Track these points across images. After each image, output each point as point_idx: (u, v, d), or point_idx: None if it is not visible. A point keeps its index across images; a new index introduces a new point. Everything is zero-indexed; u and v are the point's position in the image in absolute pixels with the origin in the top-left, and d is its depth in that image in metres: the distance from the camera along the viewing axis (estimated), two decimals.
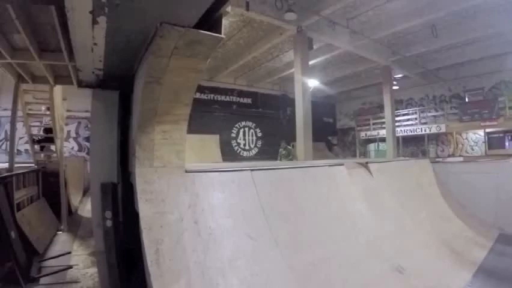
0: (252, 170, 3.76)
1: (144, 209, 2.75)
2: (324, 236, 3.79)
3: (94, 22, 2.21)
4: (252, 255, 3.04)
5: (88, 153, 13.85)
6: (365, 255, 3.90)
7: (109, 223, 3.46)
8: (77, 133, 15.03)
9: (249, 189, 3.57)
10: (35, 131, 8.58)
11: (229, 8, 2.49)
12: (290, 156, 12.50)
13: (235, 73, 17.49)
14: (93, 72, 3.47)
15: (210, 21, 2.42)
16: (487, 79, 17.07)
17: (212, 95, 18.18)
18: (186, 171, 3.20)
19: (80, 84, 3.85)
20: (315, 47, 12.09)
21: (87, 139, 14.51)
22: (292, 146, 13.00)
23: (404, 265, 4.01)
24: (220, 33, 2.46)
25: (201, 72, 2.82)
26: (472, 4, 10.03)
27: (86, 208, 9.55)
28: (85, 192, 11.85)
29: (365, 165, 5.68)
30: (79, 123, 14.90)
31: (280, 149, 13.08)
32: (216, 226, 3.03)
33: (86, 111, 12.94)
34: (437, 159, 10.37)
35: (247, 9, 8.62)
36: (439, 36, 11.85)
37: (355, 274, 3.48)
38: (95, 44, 2.61)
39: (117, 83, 3.68)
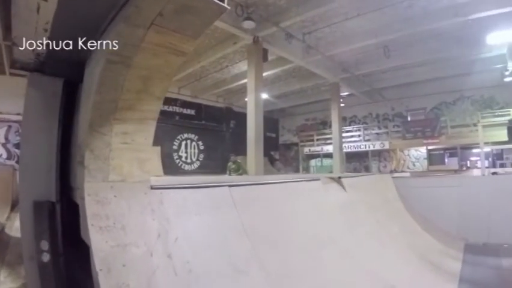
0: (230, 185, 3.13)
1: (97, 240, 1.96)
2: (313, 261, 3.34)
3: None
4: None
5: (18, 162, 12.18)
6: (358, 278, 3.61)
7: (45, 257, 2.53)
8: (6, 138, 13.08)
9: (229, 209, 2.95)
10: None
11: None
12: (240, 170, 11.95)
13: (179, 82, 16.73)
14: (33, 49, 2.57)
15: None
16: (429, 100, 18.48)
17: None
18: (152, 188, 2.43)
19: (14, 64, 2.89)
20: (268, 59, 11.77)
21: (18, 146, 12.74)
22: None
23: (395, 284, 3.81)
24: (223, 2, 1.80)
25: (184, 56, 2.13)
26: (426, 29, 10.63)
27: (15, 226, 8.06)
28: (14, 206, 10.23)
29: (338, 180, 5.43)
30: (9, 127, 13.03)
31: (230, 163, 12.48)
32: (195, 260, 2.33)
33: (18, 113, 11.47)
34: (394, 175, 10.65)
35: None
36: (391, 57, 12.41)
37: None
38: None
39: (63, 67, 2.79)
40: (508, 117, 14.47)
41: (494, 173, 9.50)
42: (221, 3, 1.80)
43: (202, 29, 1.97)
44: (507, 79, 14.13)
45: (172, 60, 2.10)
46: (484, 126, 13.92)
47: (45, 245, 2.55)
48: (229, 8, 1.85)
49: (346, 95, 18.72)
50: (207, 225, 2.67)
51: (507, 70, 13.47)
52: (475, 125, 15.19)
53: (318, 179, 4.79)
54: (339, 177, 5.47)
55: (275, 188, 3.86)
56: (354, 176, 6.81)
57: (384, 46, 11.90)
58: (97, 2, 1.96)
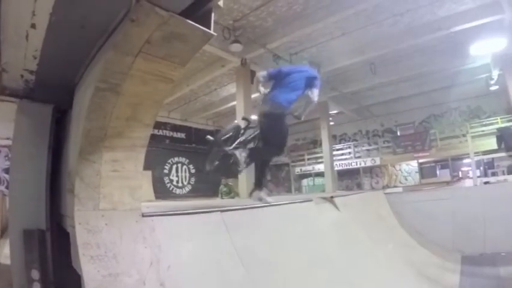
0: (222, 211, 3.13)
1: (89, 270, 1.94)
2: (309, 283, 3.31)
3: None
4: None
5: (7, 187, 11.89)
6: None
7: (36, 286, 2.49)
8: None
9: (221, 234, 2.93)
10: None
11: (221, 2, 1.89)
12: (232, 193, 11.91)
13: (169, 106, 16.79)
14: (22, 76, 2.59)
15: (196, 14, 1.81)
16: (417, 113, 18.91)
17: None
18: (143, 215, 2.41)
19: (3, 91, 2.90)
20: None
21: (7, 170, 12.50)
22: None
23: None
24: (210, 29, 1.84)
25: (172, 84, 2.17)
26: (411, 44, 11.02)
27: (4, 253, 7.82)
28: (3, 232, 9.97)
29: (331, 200, 5.42)
30: None
31: (221, 186, 12.44)
32: None
33: (8, 138, 11.26)
34: (387, 191, 10.67)
35: None
36: (377, 74, 12.73)
37: None
38: (33, 25, 1.83)
39: (52, 93, 2.81)
40: (496, 126, 14.72)
41: (486, 183, 9.60)
42: (207, 29, 1.86)
43: (189, 56, 2.01)
44: (492, 88, 14.52)
45: (160, 87, 2.13)
46: (473, 136, 14.14)
47: (35, 274, 2.51)
48: (215, 34, 1.91)
49: (335, 113, 19.03)
50: (199, 252, 2.65)
51: (492, 79, 13.98)
52: (464, 135, 15.47)
53: (310, 200, 4.78)
54: (332, 197, 5.47)
55: (267, 211, 3.85)
56: (347, 195, 6.83)
57: (371, 63, 12.21)
58: (85, 29, 1.99)
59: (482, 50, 11.43)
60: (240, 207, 3.51)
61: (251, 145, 4.69)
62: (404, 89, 16.14)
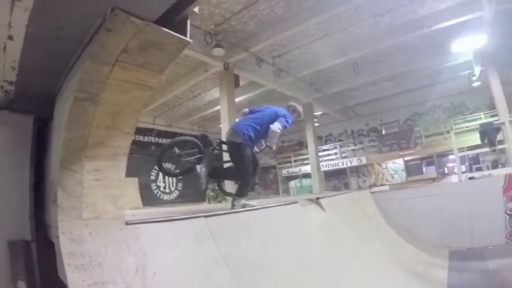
0: (206, 216, 3.18)
1: (74, 279, 1.96)
2: (298, 285, 3.33)
3: None
4: None
5: None
6: None
7: None
8: None
9: (206, 239, 3.00)
10: None
11: (196, 9, 1.94)
12: (219, 198, 11.95)
13: (154, 112, 16.72)
14: (2, 87, 2.59)
15: (172, 21, 1.85)
16: (401, 112, 19.27)
17: None
18: (127, 223, 2.44)
19: None
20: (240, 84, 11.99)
21: None
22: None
23: None
24: (186, 36, 1.88)
25: (151, 91, 2.20)
26: (392, 44, 11.23)
27: None
28: None
29: (316, 201, 5.46)
30: None
31: (208, 191, 12.44)
32: None
33: None
34: (374, 190, 10.80)
35: None
36: (360, 74, 12.94)
37: None
38: (10, 37, 1.85)
39: (33, 104, 2.82)
40: (479, 121, 15.07)
41: (471, 178, 9.73)
42: (183, 37, 1.89)
43: (167, 64, 2.05)
44: (475, 84, 14.85)
45: (139, 96, 2.16)
46: (457, 133, 14.38)
47: (22, 285, 2.50)
48: (191, 41, 1.95)
49: (320, 114, 19.25)
50: (184, 258, 2.69)
51: (474, 75, 14.38)
52: (448, 132, 15.75)
53: (296, 202, 4.86)
54: (318, 198, 5.52)
55: (252, 214, 3.90)
56: (333, 195, 6.92)
57: (354, 64, 12.43)
58: (61, 40, 2.01)
59: (463, 47, 11.76)
60: (225, 212, 3.57)
61: (214, 164, 5.01)
62: (388, 88, 16.41)
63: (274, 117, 4.61)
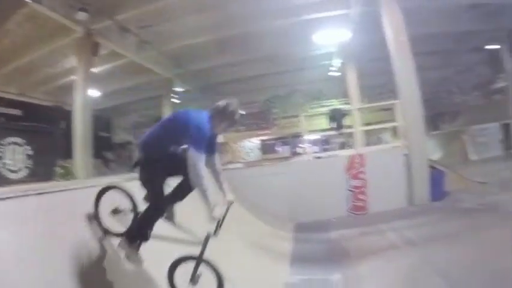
0: (38, 194, 3.34)
1: None
2: None
3: None
4: None
5: None
6: None
7: None
8: None
9: (38, 218, 3.00)
10: None
11: None
12: (68, 175, 11.25)
13: (3, 78, 14.52)
14: None
15: None
16: (262, 93, 20.81)
17: None
18: None
19: None
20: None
21: None
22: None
23: (230, 277, 3.87)
24: None
25: None
26: (261, 27, 12.15)
27: None
28: None
29: None
30: None
31: (57, 168, 11.64)
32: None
33: None
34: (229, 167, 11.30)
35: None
36: (226, 53, 13.77)
37: None
38: None
39: None
40: (332, 107, 17.16)
41: (318, 157, 10.97)
42: None
43: None
44: (334, 74, 17.50)
45: None
46: (312, 116, 16.25)
47: None
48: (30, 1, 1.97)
49: (182, 92, 19.28)
50: (17, 239, 2.68)
51: (334, 66, 16.97)
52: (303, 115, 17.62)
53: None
54: None
55: (84, 193, 3.90)
56: None
57: (221, 42, 13.10)
58: None
59: (327, 39, 13.37)
60: (57, 189, 3.73)
61: None
62: (252, 69, 17.38)
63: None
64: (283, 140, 20.75)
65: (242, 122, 18.75)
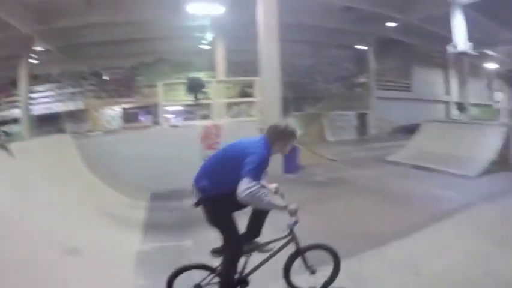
0: None
1: None
2: None
3: None
4: None
5: None
6: (42, 252, 3.65)
7: None
8: None
9: None
10: None
11: None
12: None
13: None
14: None
15: None
16: (128, 60, 20.04)
17: None
18: None
19: None
20: None
21: None
22: None
23: (84, 248, 4.04)
24: None
25: None
26: None
27: None
28: None
29: (4, 146, 5.02)
30: None
31: None
32: None
33: None
34: (79, 135, 10.88)
35: None
36: (94, 13, 13.05)
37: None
38: None
39: None
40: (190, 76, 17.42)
41: (174, 126, 11.15)
42: None
43: None
44: (204, 47, 18.15)
45: None
46: (171, 85, 15.38)
47: None
48: None
49: (42, 51, 17.81)
50: None
51: (204, 39, 17.46)
52: (168, 84, 17.52)
53: None
54: (3, 144, 5.13)
55: None
56: (30, 141, 6.61)
57: (89, 0, 12.46)
58: None
59: (201, 11, 13.22)
60: None
61: None
62: (119, 33, 16.93)
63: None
64: (147, 110, 20.27)
65: (104, 89, 17.95)
